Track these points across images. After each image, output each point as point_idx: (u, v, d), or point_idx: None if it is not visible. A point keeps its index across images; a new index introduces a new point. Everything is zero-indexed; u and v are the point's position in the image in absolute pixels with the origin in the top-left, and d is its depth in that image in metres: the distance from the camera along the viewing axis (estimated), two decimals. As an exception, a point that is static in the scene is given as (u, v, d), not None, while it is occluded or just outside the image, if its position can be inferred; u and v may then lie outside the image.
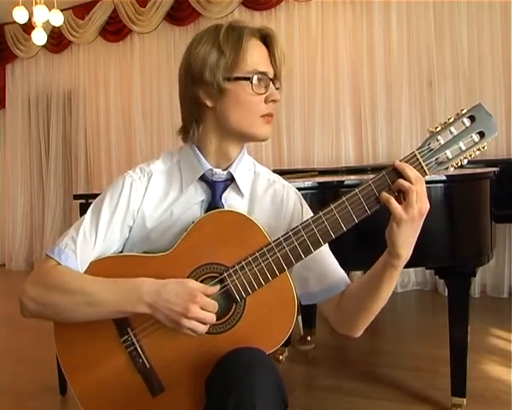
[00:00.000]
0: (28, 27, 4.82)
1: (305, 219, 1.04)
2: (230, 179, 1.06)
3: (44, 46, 5.23)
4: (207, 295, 0.93)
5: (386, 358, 2.60)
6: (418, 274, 4.04)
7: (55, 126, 5.80)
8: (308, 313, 2.83)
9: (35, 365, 2.69)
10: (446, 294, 1.97)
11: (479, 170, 2.16)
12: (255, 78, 1.00)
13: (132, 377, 0.97)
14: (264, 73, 1.01)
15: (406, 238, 0.89)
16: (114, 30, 5.35)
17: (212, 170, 1.05)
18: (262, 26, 1.04)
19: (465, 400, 1.92)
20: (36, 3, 4.02)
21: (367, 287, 0.99)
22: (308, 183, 1.95)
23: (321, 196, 1.89)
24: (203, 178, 1.05)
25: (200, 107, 1.04)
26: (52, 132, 5.81)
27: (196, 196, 1.06)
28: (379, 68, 4.15)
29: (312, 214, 1.07)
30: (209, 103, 1.02)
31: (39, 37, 4.36)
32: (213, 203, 1.04)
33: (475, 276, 1.94)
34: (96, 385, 0.98)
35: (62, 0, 4.56)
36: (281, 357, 2.57)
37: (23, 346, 3.07)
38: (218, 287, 0.95)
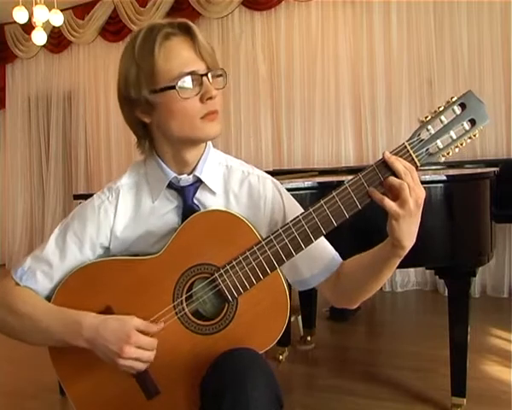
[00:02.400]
0: (28, 27, 4.82)
1: (286, 206, 1.05)
2: (198, 181, 1.03)
3: (44, 46, 5.23)
4: (151, 332, 0.93)
5: (386, 358, 2.60)
6: (418, 274, 4.03)
7: (55, 126, 5.80)
8: (308, 313, 2.83)
9: (34, 365, 2.68)
10: (446, 294, 1.97)
11: (479, 170, 2.17)
12: (181, 83, 0.93)
13: (127, 380, 0.97)
14: (192, 73, 0.94)
15: (408, 231, 0.87)
16: (114, 30, 5.34)
17: (176, 177, 1.02)
18: (180, 20, 0.96)
19: (465, 400, 1.92)
20: (36, 3, 4.01)
21: (368, 271, 0.98)
22: (308, 183, 1.95)
23: (321, 196, 1.88)
24: (171, 186, 1.03)
25: (141, 124, 1.01)
26: (52, 132, 5.81)
27: (169, 204, 1.04)
28: (379, 68, 4.15)
29: (293, 200, 1.06)
30: (147, 120, 0.99)
31: (39, 37, 4.36)
32: (187, 207, 1.02)
33: (475, 276, 1.93)
34: (91, 390, 0.98)
35: (62, 0, 4.56)
36: (281, 357, 2.57)
37: (22, 346, 3.06)
38: (163, 324, 0.95)
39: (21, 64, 5.99)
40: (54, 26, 4.68)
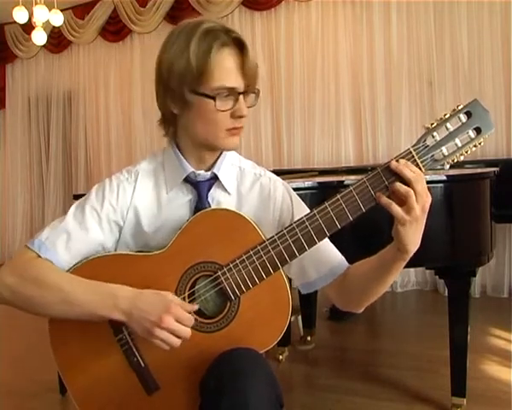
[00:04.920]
0: (28, 27, 4.81)
1: (295, 210, 1.06)
2: (214, 178, 1.06)
3: (44, 46, 5.23)
4: (187, 311, 0.93)
5: (386, 358, 2.60)
6: (418, 274, 4.03)
7: (55, 126, 5.80)
8: (308, 313, 2.83)
9: (35, 365, 2.69)
10: (446, 294, 1.97)
11: (479, 170, 2.17)
12: (220, 96, 0.96)
13: (127, 375, 0.97)
14: (231, 89, 0.97)
15: (413, 236, 0.88)
16: (114, 30, 5.35)
17: (194, 172, 1.05)
18: (237, 34, 0.99)
19: (465, 400, 1.92)
20: (36, 3, 4.01)
21: (373, 275, 0.99)
22: (308, 183, 1.96)
23: (321, 196, 1.89)
24: (187, 180, 1.05)
25: (169, 112, 1.03)
26: (52, 132, 5.81)
27: (183, 197, 1.06)
28: (379, 68, 4.15)
29: (303, 205, 1.08)
30: (175, 111, 1.02)
31: (39, 37, 4.36)
32: (200, 203, 1.04)
33: (475, 276, 1.94)
34: (92, 384, 0.98)
35: (62, 0, 4.56)
36: (281, 357, 2.57)
37: (22, 346, 3.07)
38: (197, 306, 0.95)
39: (21, 64, 5.99)
40: (54, 26, 4.68)
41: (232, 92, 0.98)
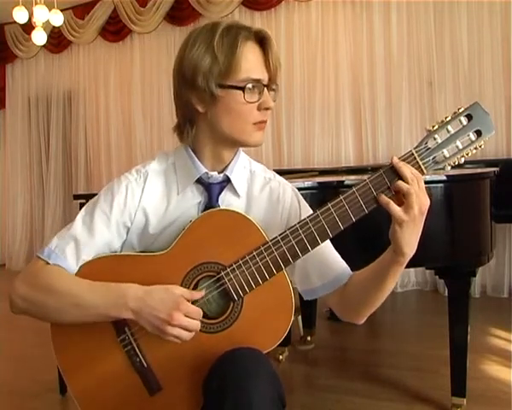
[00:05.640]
0: (28, 27, 4.82)
1: (303, 214, 1.06)
2: (226, 181, 1.06)
3: (44, 46, 5.23)
4: (194, 300, 0.94)
5: (386, 358, 2.60)
6: (418, 274, 4.04)
7: (55, 126, 5.80)
8: (308, 313, 2.83)
9: (35, 365, 2.69)
10: (446, 294, 1.97)
11: (479, 170, 2.17)
12: (248, 87, 0.98)
13: (130, 376, 0.97)
14: (257, 80, 0.99)
15: (410, 238, 0.88)
16: (114, 30, 5.35)
17: (207, 173, 1.05)
18: (258, 28, 1.01)
19: (465, 400, 1.92)
20: (36, 3, 4.02)
21: (372, 281, 0.99)
22: (308, 183, 1.96)
23: (321, 196, 1.89)
24: (199, 181, 1.05)
25: (193, 111, 1.03)
26: (52, 132, 5.82)
27: (193, 198, 1.06)
28: (379, 68, 4.15)
29: (310, 210, 1.08)
30: (200, 109, 1.01)
31: (39, 37, 4.36)
32: (210, 205, 1.04)
33: (475, 276, 1.94)
34: (94, 385, 0.98)
35: (62, 0, 4.56)
36: (281, 357, 2.57)
37: (23, 346, 3.07)
38: (204, 292, 0.96)
39: (21, 64, 6.00)
40: (54, 26, 4.69)
41: (257, 84, 0.99)
